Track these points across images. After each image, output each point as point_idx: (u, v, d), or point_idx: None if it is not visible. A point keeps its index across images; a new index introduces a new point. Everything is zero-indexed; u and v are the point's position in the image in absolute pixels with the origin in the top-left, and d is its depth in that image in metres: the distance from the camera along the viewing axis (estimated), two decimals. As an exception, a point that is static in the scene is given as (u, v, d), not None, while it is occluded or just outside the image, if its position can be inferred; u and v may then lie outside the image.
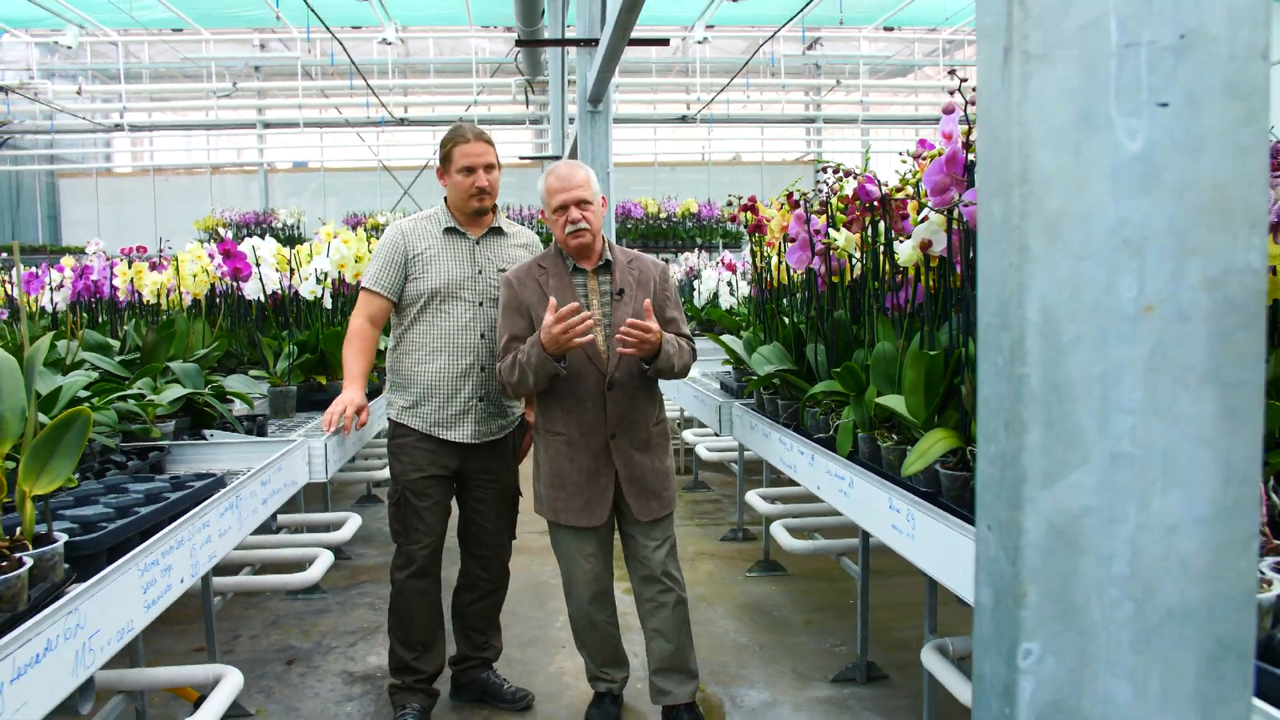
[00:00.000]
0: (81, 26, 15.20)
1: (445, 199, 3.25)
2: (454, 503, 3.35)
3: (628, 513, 2.99)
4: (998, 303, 0.79)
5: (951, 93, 1.99)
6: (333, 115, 17.73)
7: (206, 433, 3.27)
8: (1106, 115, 0.75)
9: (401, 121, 17.31)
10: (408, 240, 3.17)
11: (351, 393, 3.10)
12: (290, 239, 14.85)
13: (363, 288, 3.18)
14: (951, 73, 1.93)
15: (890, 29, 16.69)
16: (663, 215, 14.88)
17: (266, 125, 18.25)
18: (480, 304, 3.16)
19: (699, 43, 15.26)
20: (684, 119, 17.30)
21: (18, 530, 1.57)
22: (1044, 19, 0.74)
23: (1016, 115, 0.75)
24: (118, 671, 2.75)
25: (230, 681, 2.74)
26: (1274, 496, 1.44)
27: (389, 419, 3.23)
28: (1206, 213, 0.77)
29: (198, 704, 2.62)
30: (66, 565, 1.61)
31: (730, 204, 3.72)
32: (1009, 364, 0.77)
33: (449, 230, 3.19)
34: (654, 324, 2.76)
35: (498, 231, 3.25)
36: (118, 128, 17.86)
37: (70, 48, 15.47)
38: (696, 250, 11.55)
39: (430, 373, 3.13)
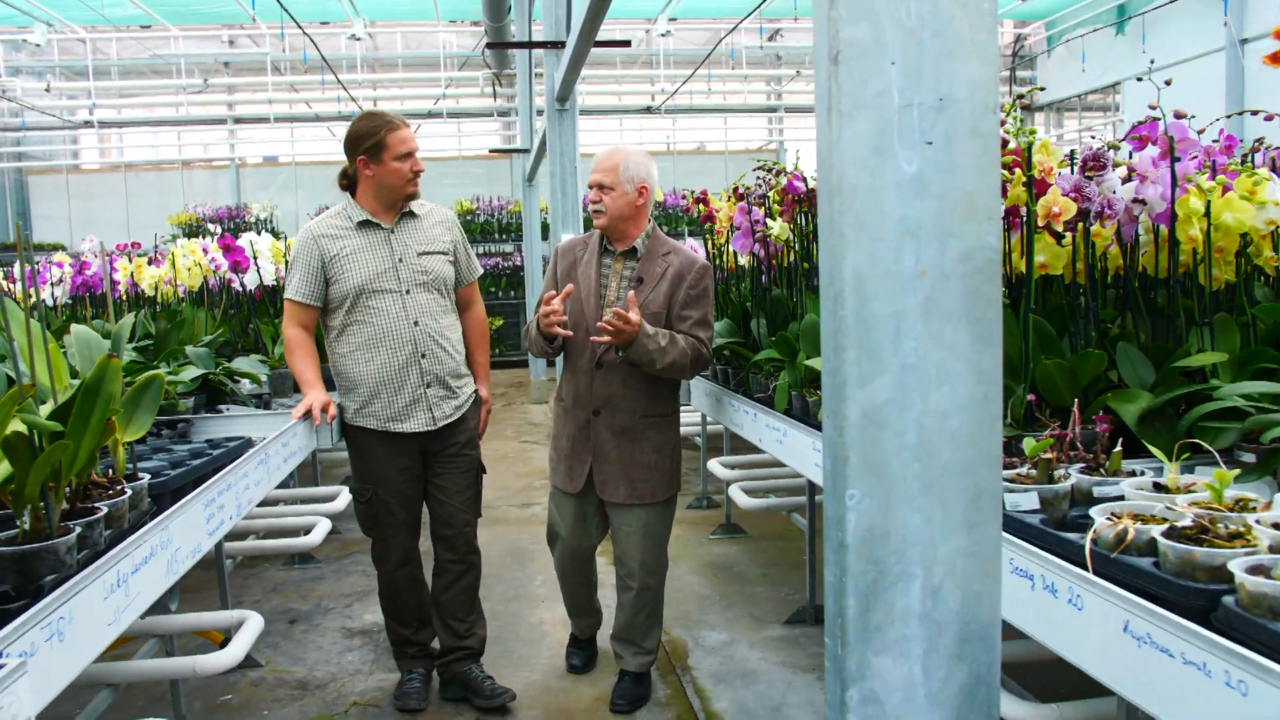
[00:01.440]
0: (50, 24, 15.33)
1: (351, 192, 3.16)
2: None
3: (598, 489, 3.10)
4: (828, 269, 1.22)
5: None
6: (303, 110, 17.94)
7: (222, 407, 3.66)
8: (892, 150, 1.18)
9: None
10: (320, 244, 3.07)
11: (315, 393, 3.11)
12: (264, 231, 15.11)
13: (286, 298, 3.13)
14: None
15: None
16: (629, 204, 15.25)
17: (237, 120, 18.43)
18: (407, 291, 3.09)
19: (662, 35, 15.64)
20: (649, 110, 17.68)
21: (110, 470, 1.98)
22: (851, 90, 1.17)
23: (835, 151, 1.19)
24: (153, 618, 3.14)
25: (253, 623, 3.14)
26: (1086, 427, 1.90)
27: (344, 422, 3.20)
28: (959, 211, 1.21)
29: (223, 644, 3.04)
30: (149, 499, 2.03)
31: (684, 197, 4.13)
32: (834, 308, 1.21)
33: (363, 224, 3.10)
34: (634, 316, 2.77)
35: (410, 215, 3.17)
36: (87, 124, 17.98)
37: (39, 45, 15.60)
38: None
39: (373, 370, 3.08)
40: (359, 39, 15.29)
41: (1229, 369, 2.20)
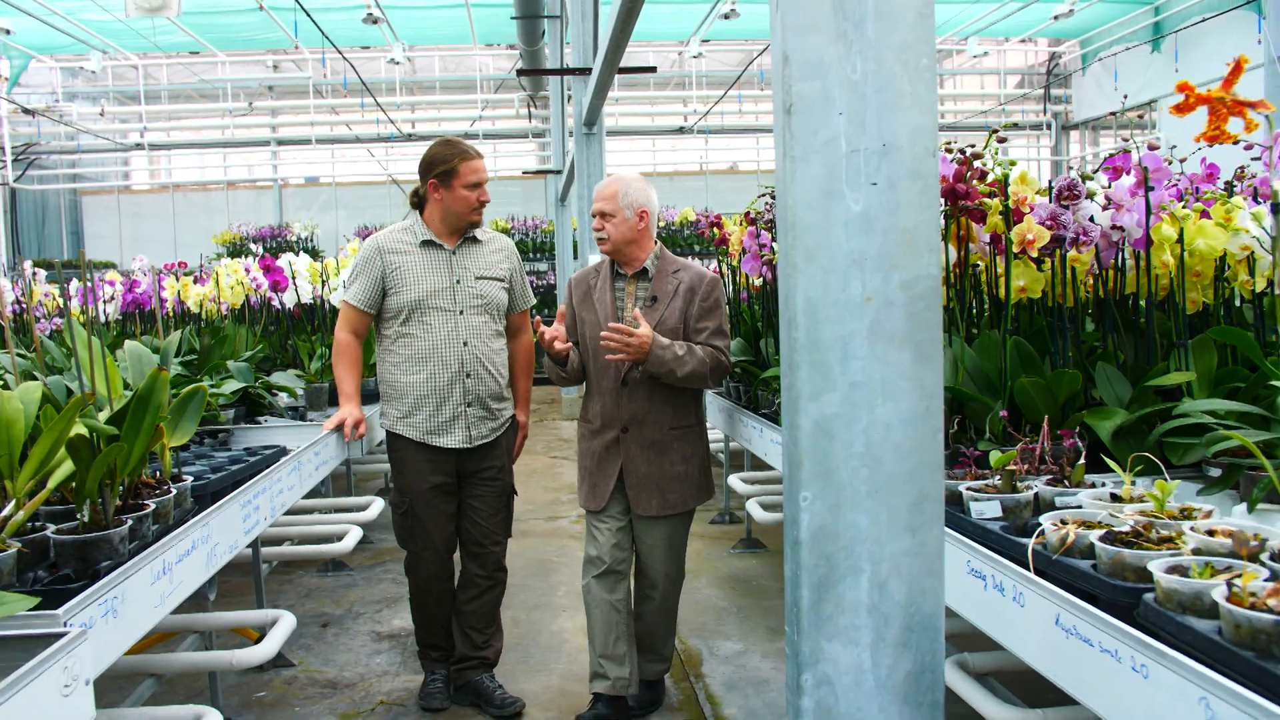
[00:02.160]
0: (104, 52, 15.86)
1: (422, 212, 3.29)
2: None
3: (631, 504, 3.13)
4: (784, 296, 1.38)
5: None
6: (343, 132, 18.37)
7: (260, 418, 3.88)
8: (840, 191, 1.34)
9: (409, 136, 17.92)
10: (384, 254, 3.21)
11: (349, 409, 3.29)
12: (306, 252, 15.51)
13: (343, 301, 3.27)
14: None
15: (880, 41, 17.21)
16: (661, 224, 15.47)
17: (280, 142, 18.90)
18: (461, 312, 3.21)
19: (694, 57, 15.84)
20: (681, 130, 17.88)
21: (158, 472, 2.17)
22: (803, 138, 1.33)
23: (789, 191, 1.35)
24: (192, 615, 3.34)
25: (285, 622, 3.32)
26: (1058, 443, 2.03)
27: (385, 430, 3.31)
28: (902, 245, 1.36)
29: (258, 641, 3.23)
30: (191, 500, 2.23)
31: (696, 221, 4.27)
32: (789, 331, 1.37)
33: (426, 243, 3.23)
34: (640, 331, 2.85)
35: (472, 240, 3.30)
36: (138, 147, 18.54)
37: (94, 72, 16.15)
38: (692, 257, 12.13)
39: (419, 383, 3.19)
40: (398, 63, 15.63)
41: (1204, 387, 2.31)
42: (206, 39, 15.43)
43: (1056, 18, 13.67)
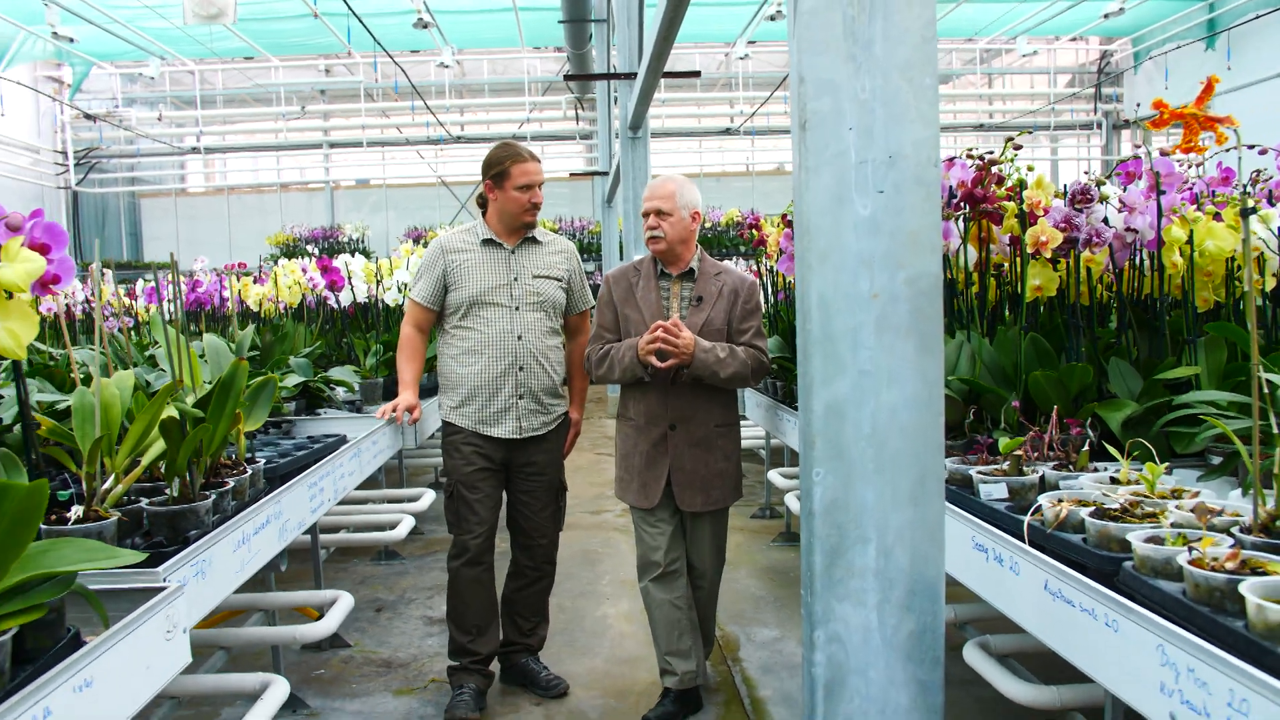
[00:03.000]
0: (163, 58, 16.36)
1: (484, 212, 3.41)
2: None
3: (676, 500, 3.17)
4: (800, 292, 1.54)
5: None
6: (393, 134, 18.75)
7: (320, 410, 4.10)
8: (850, 198, 1.49)
9: (458, 139, 18.25)
10: (446, 253, 3.34)
11: (405, 396, 3.35)
12: (357, 252, 15.90)
13: (409, 298, 3.41)
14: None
15: (927, 40, 17.20)
16: (708, 224, 15.60)
17: (332, 145, 19.32)
18: (517, 308, 3.32)
19: (741, 59, 15.98)
20: (728, 131, 18.01)
21: (233, 455, 2.38)
22: (816, 150, 1.49)
23: (804, 198, 1.51)
24: (258, 594, 3.57)
25: (344, 601, 3.53)
26: (1063, 431, 2.16)
27: (441, 418, 3.42)
28: (907, 245, 1.51)
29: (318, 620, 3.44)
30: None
31: (740, 221, 4.40)
32: (804, 323, 1.52)
33: (486, 241, 3.35)
34: (684, 334, 2.93)
35: (532, 240, 3.41)
36: (194, 150, 19.08)
37: (152, 78, 16.68)
38: (736, 258, 12.27)
39: (473, 374, 3.30)
40: (447, 67, 15.94)
41: (1212, 381, 2.42)
42: (260, 44, 15.86)
43: (1107, 16, 13.60)
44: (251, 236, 18.03)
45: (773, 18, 13.45)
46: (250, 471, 2.25)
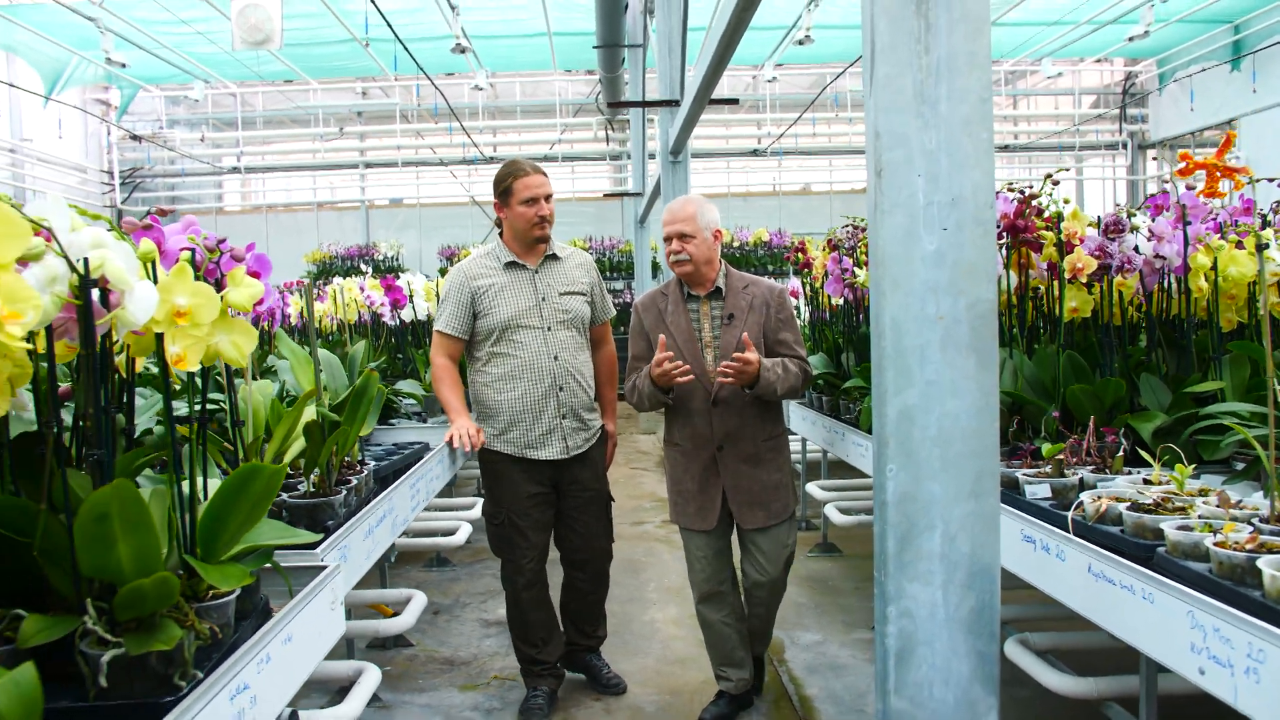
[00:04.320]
0: (206, 81, 16.84)
1: (501, 234, 3.39)
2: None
3: (737, 519, 3.21)
4: (875, 315, 1.79)
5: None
6: (427, 155, 19.15)
7: (391, 421, 4.38)
8: (918, 234, 1.74)
9: (491, 159, 18.59)
10: (471, 281, 3.30)
11: (462, 421, 3.30)
12: (390, 269, 16.26)
13: (436, 330, 3.35)
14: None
15: (952, 63, 17.41)
16: (736, 244, 15.85)
17: (368, 165, 19.74)
18: (549, 329, 3.30)
19: (769, 81, 16.27)
20: (755, 153, 18.30)
21: (345, 458, 2.66)
22: (889, 194, 1.75)
23: (879, 234, 1.76)
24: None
25: (419, 599, 3.79)
26: (1099, 439, 2.40)
27: (481, 447, 3.36)
28: (967, 275, 1.76)
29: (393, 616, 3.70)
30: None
31: (790, 244, 4.63)
32: (879, 341, 1.78)
33: (509, 264, 3.32)
34: (752, 355, 2.92)
35: (553, 258, 3.39)
36: (234, 170, 19.55)
37: (196, 100, 17.16)
38: (769, 278, 12.48)
39: (513, 399, 3.27)
40: (481, 89, 16.31)
41: (1236, 394, 2.66)
42: (301, 67, 16.31)
43: (1132, 39, 13.78)
44: (288, 254, 18.38)
45: (800, 42, 13.74)
46: (366, 472, 2.53)
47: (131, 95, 17.60)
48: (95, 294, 1.21)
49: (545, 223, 3.29)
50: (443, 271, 13.17)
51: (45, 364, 1.24)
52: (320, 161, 19.60)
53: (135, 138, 18.08)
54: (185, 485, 1.44)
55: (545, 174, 3.33)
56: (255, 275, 1.54)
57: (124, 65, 14.17)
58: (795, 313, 3.27)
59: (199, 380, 1.67)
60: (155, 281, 1.33)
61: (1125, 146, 18.45)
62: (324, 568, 1.83)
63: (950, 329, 1.75)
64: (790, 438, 4.68)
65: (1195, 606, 1.46)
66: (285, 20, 11.73)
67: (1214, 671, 1.41)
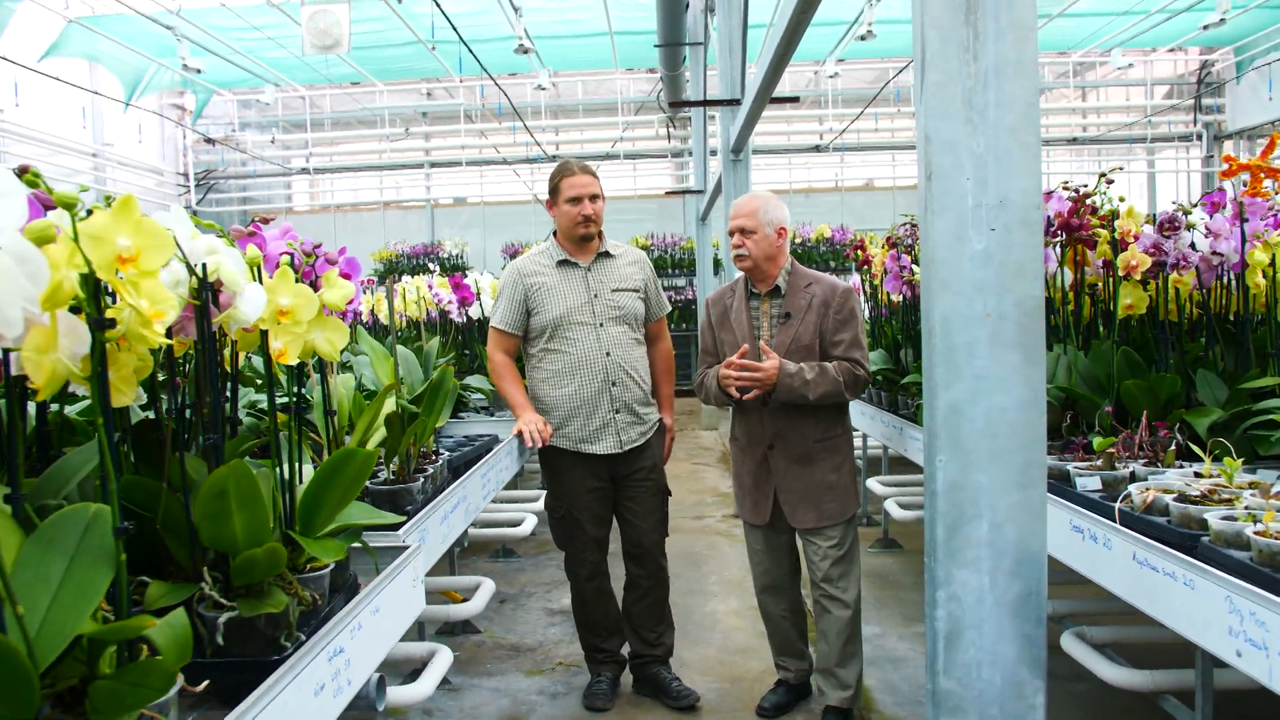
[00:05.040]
0: (277, 85, 17.34)
1: (554, 233, 3.47)
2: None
3: (788, 518, 3.18)
4: (925, 313, 1.88)
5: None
6: (491, 154, 19.46)
7: (460, 414, 4.55)
8: (967, 235, 1.82)
9: (553, 158, 18.83)
10: (524, 277, 3.37)
11: (528, 415, 3.35)
12: (455, 267, 16.58)
13: (491, 326, 3.42)
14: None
15: (1018, 55, 17.15)
16: (798, 240, 15.84)
17: (433, 165, 20.11)
18: (601, 325, 3.34)
19: (830, 77, 16.23)
20: (817, 148, 18.25)
21: (421, 448, 2.81)
22: (939, 196, 1.83)
23: (929, 236, 1.85)
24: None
25: (488, 586, 3.94)
26: (1152, 433, 2.45)
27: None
28: (1015, 274, 1.84)
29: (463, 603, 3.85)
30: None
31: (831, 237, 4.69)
32: (929, 338, 1.86)
33: (562, 263, 3.37)
34: (765, 364, 2.93)
35: (606, 255, 3.42)
36: (303, 171, 20.07)
37: (267, 103, 17.67)
38: (829, 274, 12.48)
39: (567, 395, 3.33)
40: (544, 89, 16.53)
41: (1293, 391, 2.68)
42: (368, 70, 16.70)
43: (1206, 27, 13.47)
44: (355, 253, 18.34)
45: (863, 37, 13.70)
46: (441, 461, 2.67)
47: (206, 100, 18.18)
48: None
49: (590, 222, 3.33)
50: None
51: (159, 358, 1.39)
52: (386, 161, 20.03)
53: (209, 140, 18.67)
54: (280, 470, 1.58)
55: (594, 174, 3.39)
56: (347, 277, 1.68)
57: (199, 71, 14.67)
58: (858, 312, 3.14)
59: (281, 375, 1.82)
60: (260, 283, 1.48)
61: (1200, 138, 18.00)
62: (405, 548, 1.97)
63: (998, 326, 1.83)
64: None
65: (1233, 592, 1.52)
66: (353, 24, 12.07)
67: (1250, 654, 1.48)
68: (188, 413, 1.49)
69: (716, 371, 3.12)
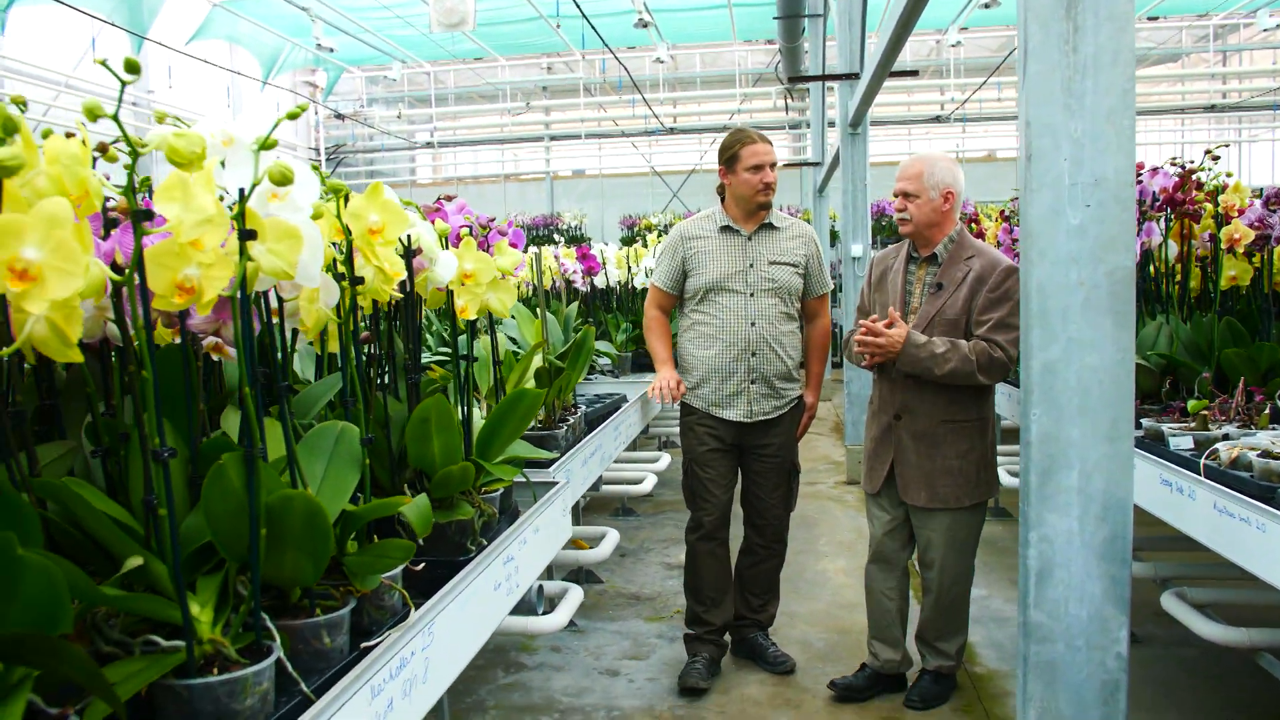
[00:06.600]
0: (403, 61, 18.02)
1: (722, 199, 3.45)
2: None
3: (900, 490, 3.12)
4: (1023, 280, 2.08)
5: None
6: (609, 127, 19.79)
7: (590, 376, 4.88)
8: (1063, 211, 2.01)
9: (671, 130, 19.04)
10: (685, 239, 3.41)
11: (665, 371, 3.38)
12: (574, 239, 17.01)
13: (651, 283, 3.52)
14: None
15: (1155, 18, 16.59)
16: (915, 211, 15.67)
17: (552, 138, 20.57)
18: (752, 294, 3.34)
19: (953, 45, 15.98)
20: (938, 119, 17.99)
21: (557, 402, 3.13)
22: (1038, 175, 2.02)
23: (1028, 211, 2.04)
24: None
25: (613, 535, 4.24)
26: (1248, 399, 2.58)
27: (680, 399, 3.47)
28: (1107, 247, 2.02)
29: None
30: (582, 424, 3.18)
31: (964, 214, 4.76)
32: (1026, 304, 2.06)
33: (724, 229, 3.38)
34: (891, 332, 2.88)
35: (770, 227, 3.40)
36: (428, 145, 20.79)
37: (394, 80, 18.38)
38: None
39: (709, 358, 3.36)
40: (662, 62, 16.73)
41: (1399, 361, 2.75)
42: (491, 45, 17.19)
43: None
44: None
45: (986, 5, 13.47)
46: (579, 413, 2.99)
47: (336, 77, 19.01)
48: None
49: (769, 189, 3.33)
50: (625, 240, 13.73)
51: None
52: (507, 135, 20.59)
53: (339, 116, 19.51)
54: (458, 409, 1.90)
55: (770, 142, 3.39)
56: (514, 246, 1.98)
57: (331, 50, 15.39)
58: (1015, 294, 2.89)
59: (446, 332, 2.13)
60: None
61: (1362, 101, 17.04)
62: (555, 483, 2.28)
63: (1090, 293, 2.01)
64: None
65: (1298, 532, 1.70)
66: (478, 1, 12.50)
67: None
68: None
69: (851, 332, 3.13)
